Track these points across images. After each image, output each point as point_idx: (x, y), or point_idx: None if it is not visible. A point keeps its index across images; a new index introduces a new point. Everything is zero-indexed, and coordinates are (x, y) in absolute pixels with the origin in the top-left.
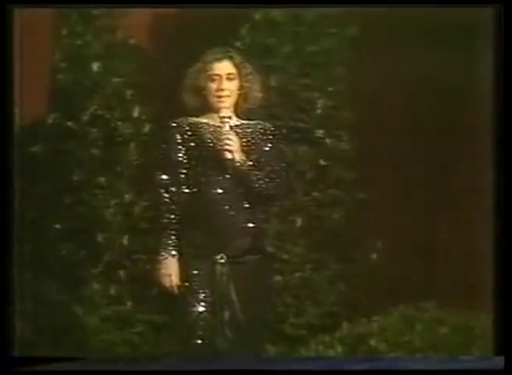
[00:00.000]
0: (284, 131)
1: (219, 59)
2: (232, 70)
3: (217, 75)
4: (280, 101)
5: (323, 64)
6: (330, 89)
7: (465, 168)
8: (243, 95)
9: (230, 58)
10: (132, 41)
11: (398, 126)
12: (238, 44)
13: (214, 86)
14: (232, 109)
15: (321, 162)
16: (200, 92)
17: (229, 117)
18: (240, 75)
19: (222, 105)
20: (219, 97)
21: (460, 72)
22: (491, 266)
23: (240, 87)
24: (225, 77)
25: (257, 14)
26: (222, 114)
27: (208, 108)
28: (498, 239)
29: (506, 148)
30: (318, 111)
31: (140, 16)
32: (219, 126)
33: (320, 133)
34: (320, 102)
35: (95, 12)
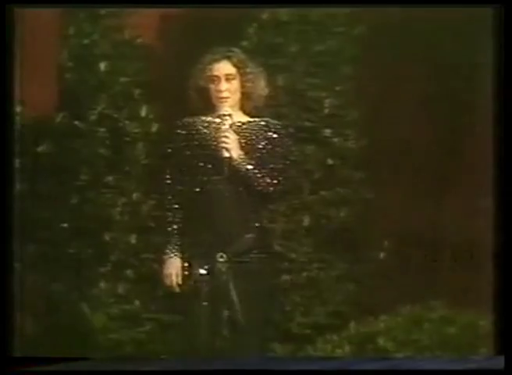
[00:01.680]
0: (291, 130)
1: (217, 60)
2: (231, 71)
3: (216, 76)
4: (287, 100)
5: (330, 63)
6: (337, 88)
7: (473, 167)
8: (246, 94)
9: (228, 58)
10: (139, 41)
11: (405, 126)
12: (245, 43)
13: (213, 87)
14: (236, 108)
15: (329, 161)
16: (202, 93)
17: (229, 115)
18: (241, 74)
19: (223, 105)
20: (220, 98)
21: (463, 71)
22: (491, 266)
23: (242, 86)
24: (224, 78)
25: (264, 14)
26: (221, 112)
27: (210, 108)
28: (500, 239)
29: (507, 147)
30: (326, 110)
31: (148, 15)
32: (219, 125)
33: (327, 132)
34: (327, 102)
35: (102, 11)
